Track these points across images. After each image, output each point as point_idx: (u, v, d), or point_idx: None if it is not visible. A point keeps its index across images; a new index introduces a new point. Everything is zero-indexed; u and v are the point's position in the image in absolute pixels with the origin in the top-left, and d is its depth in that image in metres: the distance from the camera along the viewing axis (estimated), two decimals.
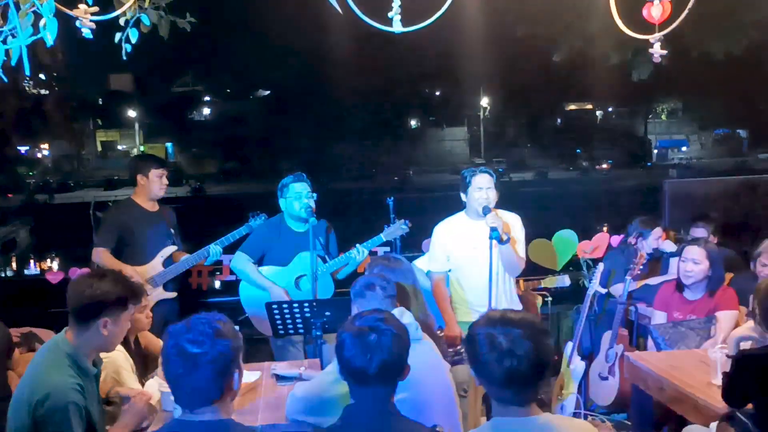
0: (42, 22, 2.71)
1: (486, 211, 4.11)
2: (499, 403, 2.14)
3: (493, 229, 3.96)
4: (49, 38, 2.75)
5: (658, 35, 3.07)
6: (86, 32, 2.90)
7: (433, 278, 4.42)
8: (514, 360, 2.03)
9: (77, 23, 2.85)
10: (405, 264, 3.42)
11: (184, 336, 2.03)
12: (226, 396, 2.10)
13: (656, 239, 5.04)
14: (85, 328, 2.70)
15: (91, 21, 2.85)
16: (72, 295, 2.71)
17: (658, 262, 5.17)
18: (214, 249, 4.78)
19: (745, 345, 3.38)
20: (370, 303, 3.02)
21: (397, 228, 4.65)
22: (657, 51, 3.13)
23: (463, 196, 4.35)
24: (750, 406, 2.93)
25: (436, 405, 2.82)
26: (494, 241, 3.99)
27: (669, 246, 5.10)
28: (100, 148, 62.59)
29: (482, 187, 4.22)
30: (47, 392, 2.54)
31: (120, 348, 3.41)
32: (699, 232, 5.17)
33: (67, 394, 2.56)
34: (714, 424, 3.04)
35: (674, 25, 3.04)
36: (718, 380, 3.19)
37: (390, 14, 2.78)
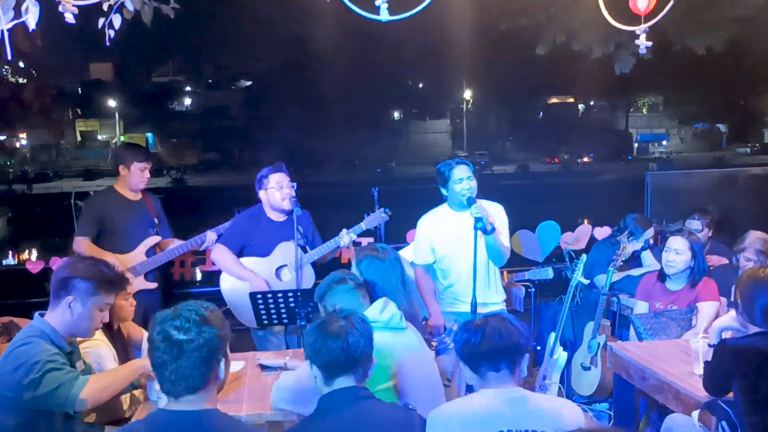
0: (24, 6, 2.67)
1: (471, 201, 4.11)
2: (476, 373, 2.49)
3: (478, 220, 3.96)
4: (31, 23, 2.71)
5: (644, 26, 3.08)
6: (69, 17, 2.86)
7: (417, 269, 4.42)
8: (487, 327, 2.46)
9: (60, 8, 2.81)
10: (392, 254, 3.41)
11: (170, 322, 2.02)
12: (212, 385, 2.09)
13: (646, 240, 5.07)
14: (56, 304, 2.80)
15: (73, 6, 2.81)
16: (53, 272, 2.86)
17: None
18: (211, 236, 4.76)
19: (727, 335, 3.42)
20: (339, 296, 3.03)
21: (377, 216, 4.62)
22: (643, 42, 3.15)
23: (443, 190, 4.34)
24: (731, 394, 2.97)
25: (421, 393, 2.83)
26: (479, 232, 3.99)
27: (648, 259, 5.09)
28: (79, 138, 61.90)
29: (462, 178, 4.22)
30: (23, 361, 2.62)
31: (102, 338, 3.39)
32: (694, 224, 5.18)
33: (42, 358, 2.64)
34: (696, 413, 3.08)
35: (660, 16, 3.06)
36: (700, 369, 3.22)
37: (377, 2, 2.77)
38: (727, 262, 4.92)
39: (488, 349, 2.43)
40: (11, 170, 48.20)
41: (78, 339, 3.28)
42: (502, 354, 2.44)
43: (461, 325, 2.57)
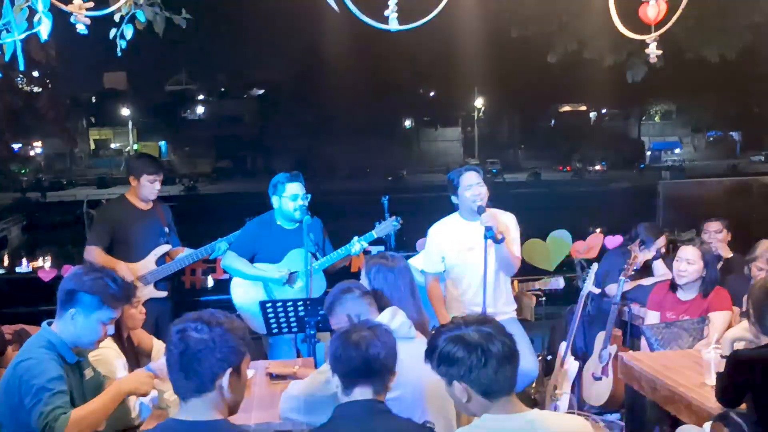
0: (36, 17, 2.70)
1: (481, 210, 4.10)
2: (487, 398, 2.11)
3: (488, 229, 3.95)
4: (44, 33, 2.73)
5: (653, 35, 3.08)
6: (81, 28, 2.88)
7: (428, 278, 4.41)
8: (491, 341, 2.08)
9: (72, 19, 2.83)
10: (402, 262, 3.42)
11: (190, 323, 2.07)
12: (218, 393, 2.08)
13: (657, 249, 5.05)
14: (61, 314, 2.81)
15: (85, 16, 2.83)
16: (61, 282, 2.87)
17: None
18: (221, 245, 4.77)
19: (739, 345, 3.39)
20: (346, 305, 3.03)
21: (389, 225, 4.61)
22: (653, 51, 3.15)
23: (454, 198, 4.34)
24: (743, 406, 2.94)
25: (430, 403, 2.81)
26: (489, 241, 3.99)
27: (660, 268, 5.07)
28: (93, 147, 62.46)
29: (472, 185, 4.21)
30: (25, 379, 2.61)
31: (113, 346, 3.40)
32: (713, 225, 5.19)
33: (38, 382, 2.61)
34: (707, 424, 3.05)
35: (669, 24, 3.05)
36: (712, 380, 3.19)
37: (386, 12, 2.78)
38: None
39: (502, 361, 2.08)
40: (26, 178, 48.68)
41: None
42: (514, 362, 2.11)
43: (447, 339, 2.12)
